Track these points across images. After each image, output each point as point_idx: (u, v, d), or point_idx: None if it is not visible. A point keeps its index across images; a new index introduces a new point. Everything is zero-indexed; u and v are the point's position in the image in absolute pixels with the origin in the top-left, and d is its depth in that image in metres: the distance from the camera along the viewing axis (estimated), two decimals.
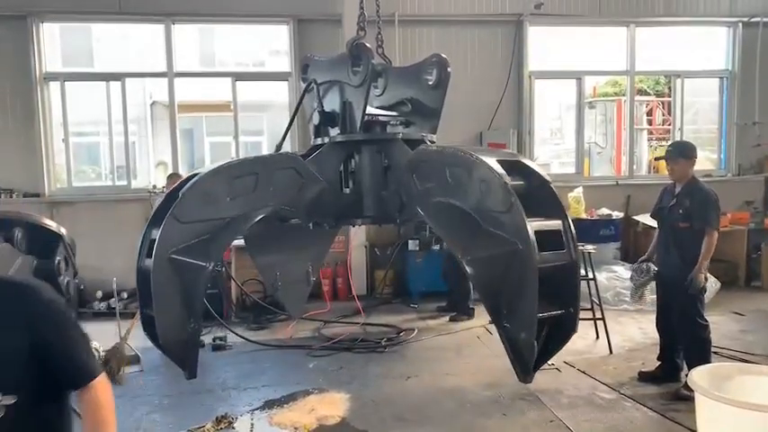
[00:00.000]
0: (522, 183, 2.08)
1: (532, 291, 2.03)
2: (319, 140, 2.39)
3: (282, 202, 2.24)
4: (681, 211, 5.27)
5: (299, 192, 2.25)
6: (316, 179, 2.26)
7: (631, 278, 5.88)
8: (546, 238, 2.05)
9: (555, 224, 2.11)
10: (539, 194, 2.12)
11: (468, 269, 2.19)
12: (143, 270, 2.23)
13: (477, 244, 2.10)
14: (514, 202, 1.94)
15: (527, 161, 2.16)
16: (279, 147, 2.48)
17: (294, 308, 2.53)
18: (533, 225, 2.00)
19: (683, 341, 5.35)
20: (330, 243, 2.78)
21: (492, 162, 1.98)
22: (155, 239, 2.19)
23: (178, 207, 2.11)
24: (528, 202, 2.03)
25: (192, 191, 2.11)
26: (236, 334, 7.03)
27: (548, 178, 2.15)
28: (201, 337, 7.08)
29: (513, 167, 2.07)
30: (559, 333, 2.21)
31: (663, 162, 5.92)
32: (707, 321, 5.27)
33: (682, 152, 5.44)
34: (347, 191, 2.37)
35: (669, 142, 9.46)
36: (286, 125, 9.75)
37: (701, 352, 5.13)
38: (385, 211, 2.29)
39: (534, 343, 2.08)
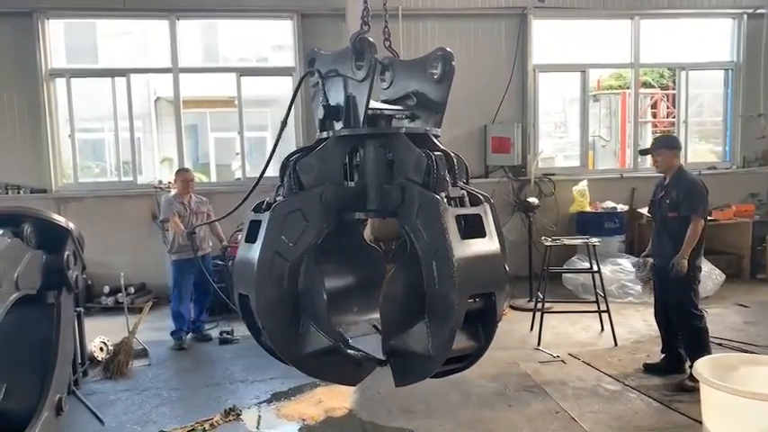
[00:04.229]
0: (480, 302, 2.11)
1: (419, 378, 2.22)
2: (324, 134, 2.40)
3: (308, 241, 2.26)
4: (668, 201, 5.40)
5: (308, 222, 2.28)
6: (308, 197, 2.28)
7: (635, 276, 5.99)
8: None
9: (472, 347, 2.18)
10: (485, 316, 2.16)
11: (382, 331, 2.28)
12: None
13: (404, 332, 2.15)
14: (450, 340, 2.02)
15: (502, 292, 2.15)
16: (284, 123, 2.52)
17: (377, 353, 2.55)
18: (454, 349, 2.08)
19: (681, 332, 5.43)
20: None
21: (463, 301, 2.00)
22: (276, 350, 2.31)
23: (269, 334, 2.22)
24: (471, 316, 2.07)
25: (263, 319, 2.19)
26: None
27: (501, 316, 2.19)
28: (209, 331, 7.19)
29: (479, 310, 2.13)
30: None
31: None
32: (701, 311, 5.35)
33: (664, 144, 5.69)
34: (351, 184, 2.38)
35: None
36: (291, 118, 9.86)
37: (699, 342, 5.20)
38: (387, 204, 2.30)
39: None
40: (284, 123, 2.51)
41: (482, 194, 2.29)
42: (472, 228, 2.17)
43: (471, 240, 2.12)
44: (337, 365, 2.38)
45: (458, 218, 2.11)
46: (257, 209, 2.35)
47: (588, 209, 9.41)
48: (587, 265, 7.07)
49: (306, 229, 2.25)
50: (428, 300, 2.08)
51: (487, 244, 2.16)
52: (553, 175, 9.80)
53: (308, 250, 2.25)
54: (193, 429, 4.71)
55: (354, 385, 2.56)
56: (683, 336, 5.41)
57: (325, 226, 2.28)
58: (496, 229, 2.21)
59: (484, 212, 2.21)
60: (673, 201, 5.36)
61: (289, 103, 2.75)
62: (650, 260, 5.69)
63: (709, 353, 4.86)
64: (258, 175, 2.44)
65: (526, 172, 9.67)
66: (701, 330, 5.26)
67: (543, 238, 7.29)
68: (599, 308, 6.70)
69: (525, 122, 9.73)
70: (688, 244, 5.19)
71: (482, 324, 2.19)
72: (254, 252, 2.22)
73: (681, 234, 5.25)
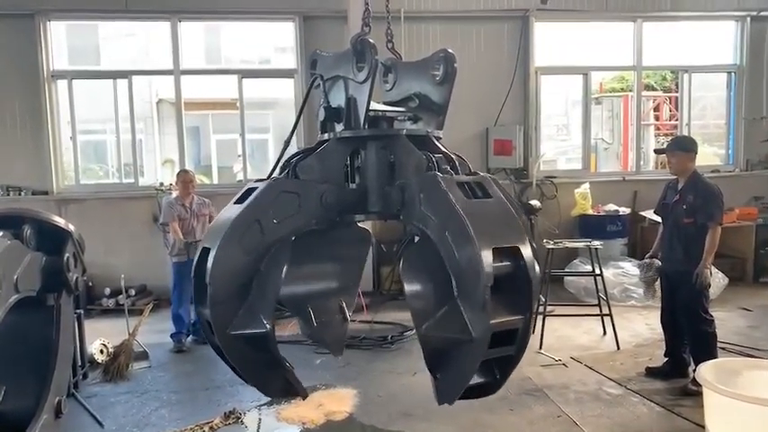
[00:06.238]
0: (509, 264, 1.97)
1: (468, 374, 2.06)
2: (326, 136, 2.39)
3: (291, 227, 2.20)
4: (684, 207, 5.28)
5: (300, 209, 2.22)
6: (310, 188, 2.24)
7: (639, 278, 5.93)
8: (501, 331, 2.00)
9: (516, 321, 2.02)
10: (518, 279, 2.01)
11: (415, 323, 2.16)
12: (216, 346, 2.23)
13: (436, 315, 2.04)
14: (486, 303, 1.88)
15: (527, 247, 2.02)
16: (287, 142, 2.48)
17: (336, 346, 2.47)
18: (495, 323, 1.93)
19: (689, 336, 5.35)
20: (358, 274, 2.69)
21: (487, 253, 1.88)
22: (209, 321, 2.17)
23: (212, 293, 2.10)
24: (503, 284, 1.95)
25: (214, 275, 2.08)
26: None
27: (533, 273, 2.02)
28: None
29: (508, 251, 1.98)
30: (481, 390, 2.25)
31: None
32: (712, 316, 5.27)
33: (680, 145, 5.51)
34: (353, 186, 2.36)
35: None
36: (292, 122, 9.85)
37: (706, 347, 5.13)
38: (389, 206, 2.28)
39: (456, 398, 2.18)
40: (287, 143, 2.48)
41: (487, 176, 2.28)
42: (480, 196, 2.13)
43: (479, 200, 2.08)
44: (262, 366, 2.28)
45: (463, 190, 2.07)
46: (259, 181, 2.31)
47: (590, 212, 9.39)
48: (589, 268, 7.05)
49: (295, 214, 2.20)
50: (454, 279, 1.97)
51: (497, 202, 2.10)
52: (555, 177, 9.78)
53: (287, 236, 2.19)
54: None
55: (271, 396, 2.43)
56: (691, 340, 5.34)
57: (314, 222, 2.25)
58: (506, 197, 2.17)
59: (486, 181, 2.18)
60: (689, 206, 5.23)
61: (299, 110, 2.72)
62: (656, 261, 5.62)
63: (716, 358, 4.81)
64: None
65: (528, 175, 9.64)
66: (709, 335, 5.20)
67: (545, 240, 7.26)
68: (601, 311, 6.67)
69: (527, 125, 9.71)
70: (709, 253, 5.11)
71: (517, 292, 2.03)
72: (235, 210, 2.16)
73: (694, 240, 5.19)
